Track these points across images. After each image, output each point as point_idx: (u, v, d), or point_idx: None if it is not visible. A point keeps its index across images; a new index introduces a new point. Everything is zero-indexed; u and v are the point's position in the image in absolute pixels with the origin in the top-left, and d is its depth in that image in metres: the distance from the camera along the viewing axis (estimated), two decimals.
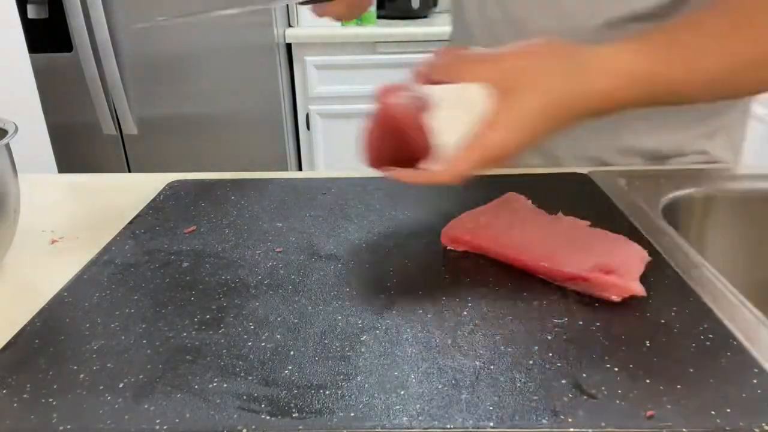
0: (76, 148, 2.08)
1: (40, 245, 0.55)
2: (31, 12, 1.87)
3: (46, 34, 1.93)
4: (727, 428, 0.31)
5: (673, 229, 0.54)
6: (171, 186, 0.65)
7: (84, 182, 0.73)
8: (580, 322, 0.40)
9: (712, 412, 0.32)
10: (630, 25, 0.61)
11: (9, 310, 0.45)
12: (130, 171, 2.10)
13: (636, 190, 0.62)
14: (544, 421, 0.32)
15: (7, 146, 0.48)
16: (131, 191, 0.66)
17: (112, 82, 1.96)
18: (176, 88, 2.00)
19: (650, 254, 0.47)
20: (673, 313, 0.41)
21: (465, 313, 0.41)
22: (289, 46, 1.96)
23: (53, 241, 0.56)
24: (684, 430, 0.31)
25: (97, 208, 0.64)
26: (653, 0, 0.60)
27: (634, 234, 0.52)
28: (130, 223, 0.57)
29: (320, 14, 0.70)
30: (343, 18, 0.72)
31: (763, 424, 0.31)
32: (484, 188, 0.58)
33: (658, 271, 0.45)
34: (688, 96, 0.46)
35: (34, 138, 1.04)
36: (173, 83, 1.99)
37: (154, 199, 0.62)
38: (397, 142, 0.42)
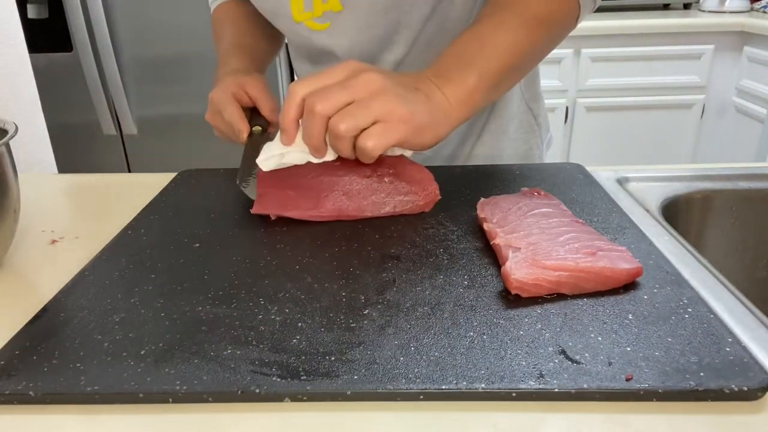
0: (76, 148, 2.10)
1: (40, 245, 0.56)
2: (31, 12, 1.89)
3: (46, 34, 1.95)
4: (699, 389, 0.34)
5: (671, 228, 0.54)
6: (182, 175, 0.68)
7: (84, 182, 0.74)
8: (568, 298, 0.43)
9: (687, 375, 0.35)
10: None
11: (8, 310, 0.46)
12: (130, 171, 2.12)
13: (635, 189, 0.63)
14: (531, 382, 0.35)
15: (7, 146, 0.49)
16: (131, 191, 0.67)
17: (112, 82, 1.98)
18: (176, 88, 2.02)
19: (650, 253, 0.49)
20: (655, 290, 0.43)
21: (461, 290, 0.44)
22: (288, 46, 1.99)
23: (53, 241, 0.56)
24: (659, 390, 0.34)
25: (97, 208, 0.65)
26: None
27: (633, 232, 0.53)
28: (146, 208, 0.60)
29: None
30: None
31: (733, 386, 0.34)
32: (478, 176, 0.61)
33: (656, 267, 0.47)
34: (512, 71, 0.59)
35: (34, 138, 1.05)
36: (173, 83, 2.01)
37: (166, 187, 0.65)
38: None
